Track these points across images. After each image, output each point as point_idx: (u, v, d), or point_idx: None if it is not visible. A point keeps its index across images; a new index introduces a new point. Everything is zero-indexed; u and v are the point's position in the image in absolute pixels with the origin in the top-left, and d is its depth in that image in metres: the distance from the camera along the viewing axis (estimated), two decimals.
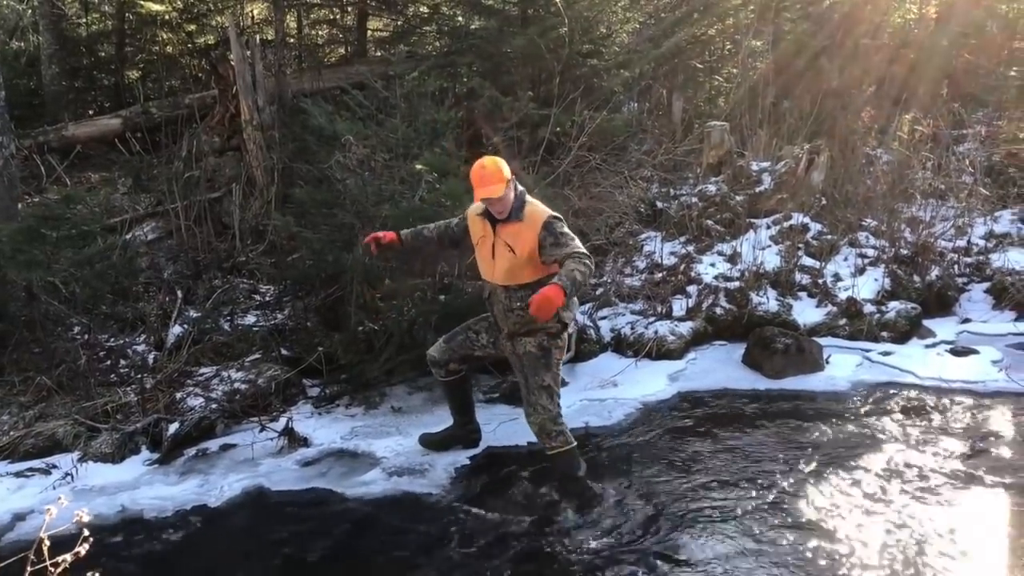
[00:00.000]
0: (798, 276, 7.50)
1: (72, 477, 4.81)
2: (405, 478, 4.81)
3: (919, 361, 6.44)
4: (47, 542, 1.98)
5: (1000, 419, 5.47)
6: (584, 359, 6.48)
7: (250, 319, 6.74)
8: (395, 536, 4.25)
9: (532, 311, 3.91)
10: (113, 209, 7.87)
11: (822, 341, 6.71)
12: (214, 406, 5.51)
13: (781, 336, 6.44)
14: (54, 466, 4.93)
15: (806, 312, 7.16)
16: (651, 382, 6.19)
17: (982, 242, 8.44)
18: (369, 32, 12.45)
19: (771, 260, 7.61)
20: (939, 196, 9.20)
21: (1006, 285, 7.52)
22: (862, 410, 5.68)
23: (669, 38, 11.58)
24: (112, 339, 6.35)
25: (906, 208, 8.80)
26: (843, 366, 6.42)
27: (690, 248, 7.99)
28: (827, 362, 6.43)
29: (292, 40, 11.94)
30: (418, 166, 5.99)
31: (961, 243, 8.34)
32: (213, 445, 5.27)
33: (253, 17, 12.14)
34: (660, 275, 7.58)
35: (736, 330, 6.95)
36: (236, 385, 5.75)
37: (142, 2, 10.32)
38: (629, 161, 8.95)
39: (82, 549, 2.01)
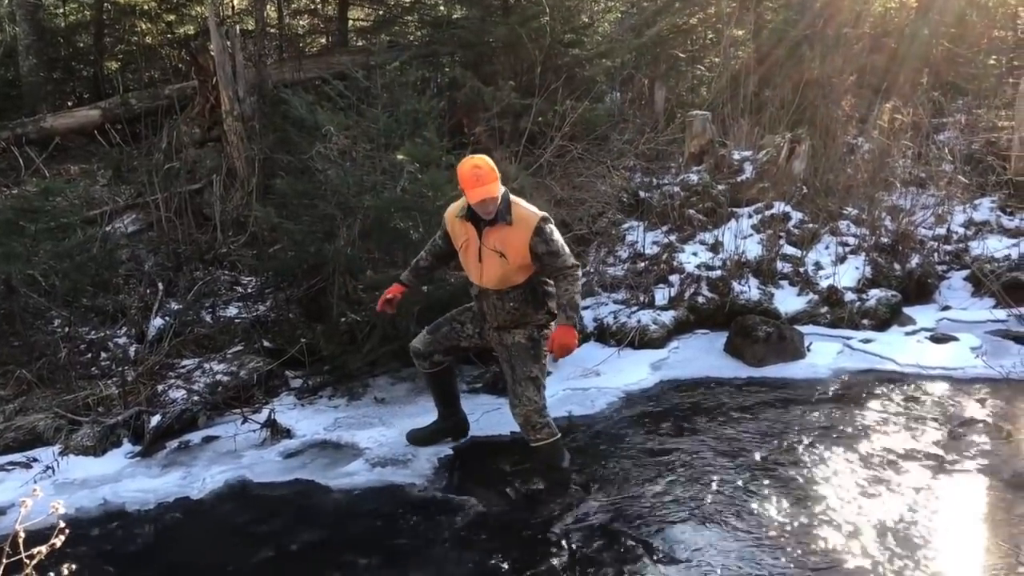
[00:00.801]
0: (780, 265, 7.54)
1: (53, 470, 4.78)
2: (388, 468, 4.81)
3: (899, 348, 6.49)
4: (22, 534, 1.97)
5: (978, 405, 5.52)
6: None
7: (232, 311, 6.72)
8: (378, 526, 4.25)
9: (556, 357, 4.48)
10: (93, 201, 7.81)
11: (803, 329, 6.76)
12: (196, 398, 5.49)
13: (763, 324, 6.47)
14: (35, 460, 4.90)
15: (787, 300, 7.21)
16: (634, 371, 6.22)
17: (962, 230, 8.51)
18: (351, 21, 12.39)
19: (753, 249, 7.64)
20: (919, 184, 9.27)
21: (985, 272, 7.59)
22: (843, 397, 5.72)
23: (651, 27, 11.59)
24: (93, 332, 6.31)
25: (887, 196, 8.86)
26: (824, 354, 6.47)
27: (672, 237, 8.01)
28: (808, 350, 6.47)
29: (273, 30, 11.87)
30: (399, 156, 5.97)
31: (941, 231, 8.41)
32: (195, 437, 5.25)
33: (233, 7, 12.07)
34: (643, 264, 7.60)
35: (718, 319, 6.99)
36: (218, 377, 5.73)
37: None
38: (611, 151, 8.96)
39: (58, 541, 2.00)
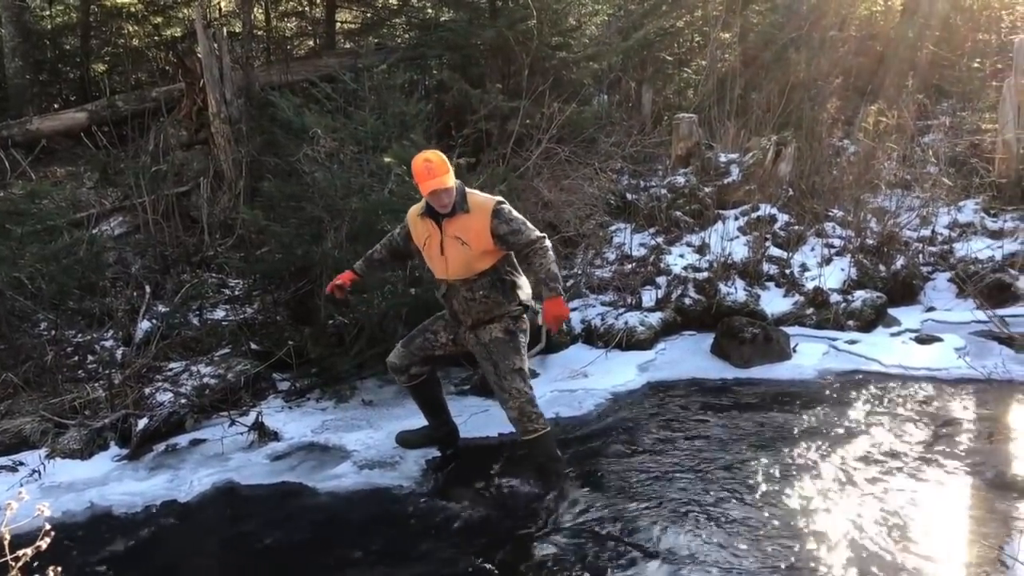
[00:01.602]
0: (766, 266, 7.59)
1: (40, 474, 4.76)
2: (376, 471, 4.81)
3: (884, 349, 6.53)
4: (8, 537, 1.98)
5: (961, 406, 5.57)
6: (555, 350, 6.51)
7: (219, 313, 6.72)
8: (366, 529, 4.25)
9: (553, 330, 4.51)
10: (79, 204, 7.80)
11: (789, 330, 6.80)
12: (183, 401, 5.48)
13: (749, 326, 6.51)
14: (21, 463, 4.88)
15: (774, 302, 7.25)
16: (621, 372, 6.24)
17: (946, 231, 8.58)
18: (338, 24, 12.41)
19: (739, 251, 7.69)
20: (904, 187, 9.35)
21: (966, 275, 7.65)
22: (828, 398, 5.76)
23: (638, 30, 11.64)
24: (79, 335, 6.30)
25: (872, 199, 8.92)
26: (810, 355, 6.51)
27: (659, 239, 8.06)
28: (794, 351, 6.51)
29: (260, 32, 11.88)
30: (387, 159, 5.97)
31: (926, 233, 8.48)
32: (183, 440, 5.24)
33: (220, 9, 12.06)
34: (630, 266, 7.64)
35: (705, 320, 7.02)
36: (205, 380, 5.73)
37: None
38: (599, 153, 8.98)
39: (43, 543, 2.00)
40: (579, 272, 7.51)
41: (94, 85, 10.76)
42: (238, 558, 4.08)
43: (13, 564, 1.99)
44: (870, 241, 8.08)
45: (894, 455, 4.82)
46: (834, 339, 6.80)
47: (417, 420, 5.18)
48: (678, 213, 8.38)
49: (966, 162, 9.94)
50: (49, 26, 11.17)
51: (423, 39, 9.84)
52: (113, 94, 9.73)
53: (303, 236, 6.00)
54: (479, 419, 5.42)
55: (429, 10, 11.29)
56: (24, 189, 6.89)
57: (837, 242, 8.10)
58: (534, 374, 5.02)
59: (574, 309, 7.03)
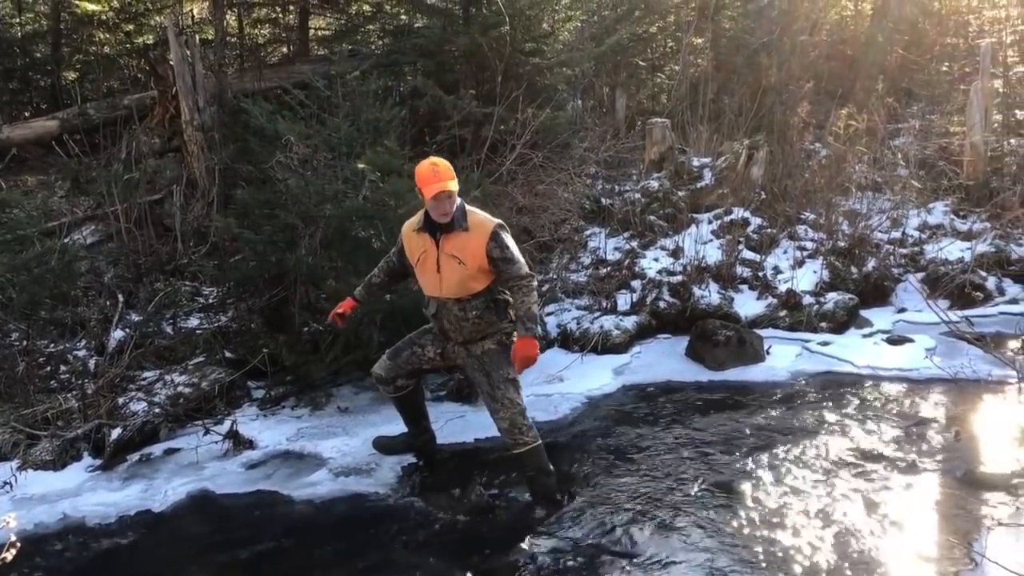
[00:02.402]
0: (739, 269, 7.65)
1: (11, 486, 4.72)
2: (352, 478, 4.81)
3: (856, 350, 6.61)
4: None
5: (931, 405, 5.65)
6: None
7: (193, 322, 6.68)
8: (342, 536, 4.25)
9: (519, 370, 4.35)
10: (51, 213, 7.71)
11: (763, 332, 6.87)
12: (157, 410, 5.45)
13: (723, 328, 6.56)
14: None
15: (747, 304, 7.31)
16: (597, 376, 6.27)
17: (916, 233, 8.69)
18: (312, 31, 12.39)
19: (713, 254, 7.75)
20: (875, 189, 9.47)
21: (939, 275, 7.75)
22: (802, 399, 5.82)
23: (611, 36, 11.68)
24: (52, 345, 6.24)
25: (843, 201, 9.02)
26: (783, 357, 6.57)
27: (634, 243, 8.11)
28: (768, 353, 6.56)
29: (233, 39, 11.82)
30: (361, 165, 5.97)
31: (896, 235, 8.59)
32: (157, 450, 5.20)
33: (193, 16, 11.96)
34: (605, 270, 7.68)
35: (680, 323, 7.06)
36: (179, 389, 5.69)
37: (78, 2, 10.14)
38: (573, 158, 9.01)
39: (8, 555, 1.99)
40: (554, 277, 7.53)
41: (65, 93, 10.65)
42: (213, 568, 4.06)
43: None
44: (842, 243, 8.16)
45: (866, 455, 4.88)
46: (807, 341, 6.87)
47: (393, 426, 5.17)
48: (652, 217, 8.43)
49: (935, 165, 10.08)
50: (19, 33, 11.05)
51: (397, 45, 9.83)
52: (84, 102, 9.64)
53: (277, 243, 5.97)
54: (455, 425, 5.43)
55: (403, 17, 11.29)
56: None
57: (809, 245, 8.18)
58: None
59: (550, 314, 7.06)
